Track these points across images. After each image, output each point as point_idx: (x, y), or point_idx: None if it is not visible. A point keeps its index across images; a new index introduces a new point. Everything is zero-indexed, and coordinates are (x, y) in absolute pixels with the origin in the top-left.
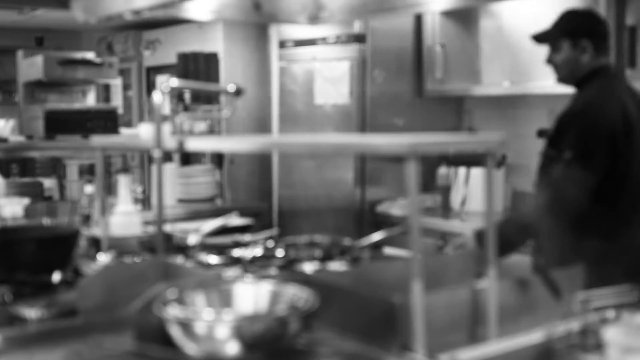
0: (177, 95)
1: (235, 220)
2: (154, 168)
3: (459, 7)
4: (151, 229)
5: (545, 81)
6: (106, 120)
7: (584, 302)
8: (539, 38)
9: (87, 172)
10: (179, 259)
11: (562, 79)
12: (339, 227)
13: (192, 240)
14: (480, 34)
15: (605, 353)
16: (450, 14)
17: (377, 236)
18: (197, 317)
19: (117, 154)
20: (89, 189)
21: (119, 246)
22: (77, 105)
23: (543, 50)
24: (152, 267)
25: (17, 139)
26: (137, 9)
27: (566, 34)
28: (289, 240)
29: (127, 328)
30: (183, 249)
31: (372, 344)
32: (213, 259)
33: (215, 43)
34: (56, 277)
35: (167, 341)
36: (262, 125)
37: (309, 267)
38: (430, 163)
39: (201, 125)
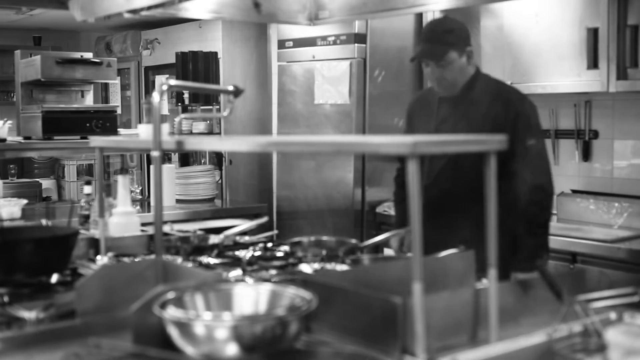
0: (176, 95)
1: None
2: (153, 168)
3: (459, 7)
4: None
5: (546, 81)
6: (105, 121)
7: (586, 304)
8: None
9: (86, 172)
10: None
11: (448, 90)
12: (338, 227)
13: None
14: (480, 33)
15: (607, 355)
16: (451, 14)
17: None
18: (196, 318)
19: (116, 154)
20: (87, 189)
21: (118, 247)
22: (75, 105)
23: (543, 50)
24: (151, 267)
25: (15, 139)
26: (136, 8)
27: (451, 46)
28: (294, 240)
29: (125, 329)
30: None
31: (372, 345)
32: (213, 260)
33: (214, 43)
34: (54, 278)
35: (166, 342)
36: (261, 125)
37: (308, 268)
38: None
39: (200, 126)
